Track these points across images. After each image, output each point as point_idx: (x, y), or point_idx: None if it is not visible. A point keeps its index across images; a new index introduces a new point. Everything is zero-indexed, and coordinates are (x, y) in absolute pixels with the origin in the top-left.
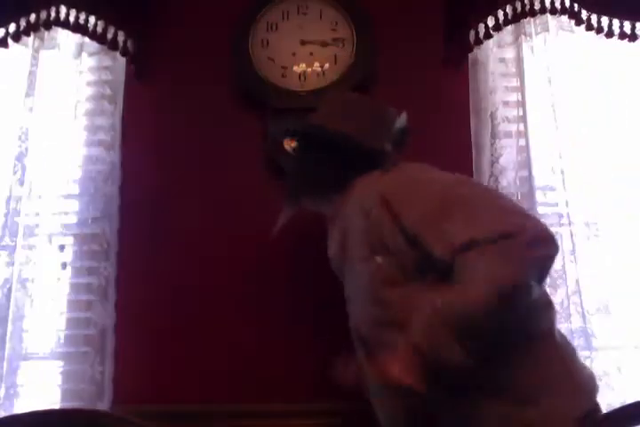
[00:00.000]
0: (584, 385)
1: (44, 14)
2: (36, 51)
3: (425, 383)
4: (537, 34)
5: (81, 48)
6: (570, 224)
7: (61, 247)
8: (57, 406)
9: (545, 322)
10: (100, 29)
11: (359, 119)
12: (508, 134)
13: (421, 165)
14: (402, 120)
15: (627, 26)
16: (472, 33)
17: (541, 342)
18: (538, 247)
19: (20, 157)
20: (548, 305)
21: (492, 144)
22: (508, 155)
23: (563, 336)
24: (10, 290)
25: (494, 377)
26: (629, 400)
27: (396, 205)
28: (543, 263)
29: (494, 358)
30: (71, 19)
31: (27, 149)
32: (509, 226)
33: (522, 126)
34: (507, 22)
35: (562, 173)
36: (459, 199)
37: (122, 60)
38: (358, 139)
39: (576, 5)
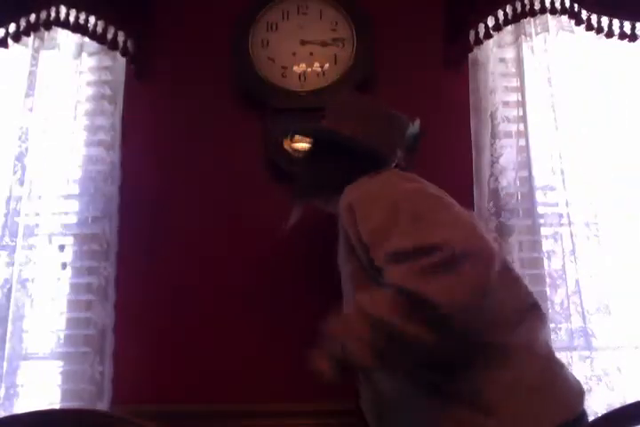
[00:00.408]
0: (560, 397)
1: (43, 14)
2: (36, 51)
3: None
4: (537, 34)
5: (81, 48)
6: (570, 224)
7: (61, 247)
8: (57, 406)
9: (523, 333)
10: (99, 29)
11: (372, 125)
12: (508, 134)
13: (399, 174)
14: (415, 127)
15: (627, 26)
16: (472, 33)
17: (515, 353)
18: (462, 264)
19: (20, 157)
20: (528, 318)
21: (491, 144)
22: (508, 155)
23: (548, 346)
24: (10, 290)
25: (456, 382)
26: (629, 400)
27: (358, 216)
28: (470, 279)
29: (454, 363)
30: (71, 19)
31: (27, 149)
32: (432, 240)
33: (522, 126)
34: (507, 22)
35: (562, 173)
36: (404, 214)
37: (122, 60)
38: (369, 144)
39: (576, 5)
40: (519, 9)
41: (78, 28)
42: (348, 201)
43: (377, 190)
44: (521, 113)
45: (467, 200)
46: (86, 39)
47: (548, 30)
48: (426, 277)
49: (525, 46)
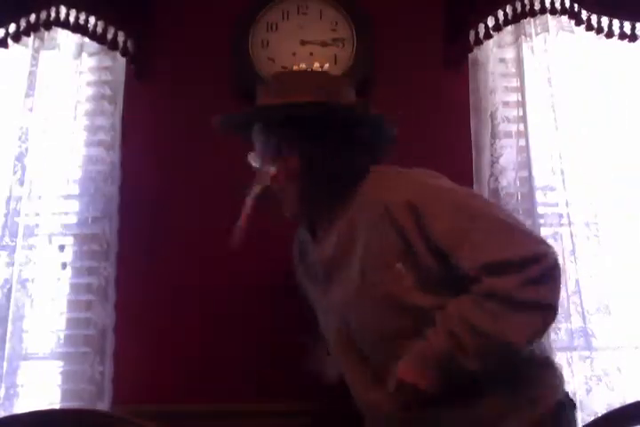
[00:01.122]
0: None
1: (43, 14)
2: (36, 51)
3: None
4: (537, 34)
5: (81, 48)
6: (570, 224)
7: (61, 247)
8: (57, 406)
9: None
10: (99, 29)
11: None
12: (508, 134)
13: (430, 173)
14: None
15: (627, 26)
16: (472, 33)
17: None
18: (555, 270)
19: (20, 157)
20: None
21: (491, 144)
22: (508, 155)
23: None
24: (10, 290)
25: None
26: (629, 400)
27: (423, 214)
28: (559, 282)
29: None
30: (71, 19)
31: (27, 149)
32: (536, 250)
33: (522, 126)
34: (507, 22)
35: (562, 173)
36: (484, 214)
37: (122, 60)
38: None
39: (576, 5)
40: (519, 9)
41: (78, 29)
42: (404, 199)
43: (437, 188)
44: (521, 113)
45: None
46: (86, 39)
47: (548, 30)
48: (533, 285)
49: (525, 46)
